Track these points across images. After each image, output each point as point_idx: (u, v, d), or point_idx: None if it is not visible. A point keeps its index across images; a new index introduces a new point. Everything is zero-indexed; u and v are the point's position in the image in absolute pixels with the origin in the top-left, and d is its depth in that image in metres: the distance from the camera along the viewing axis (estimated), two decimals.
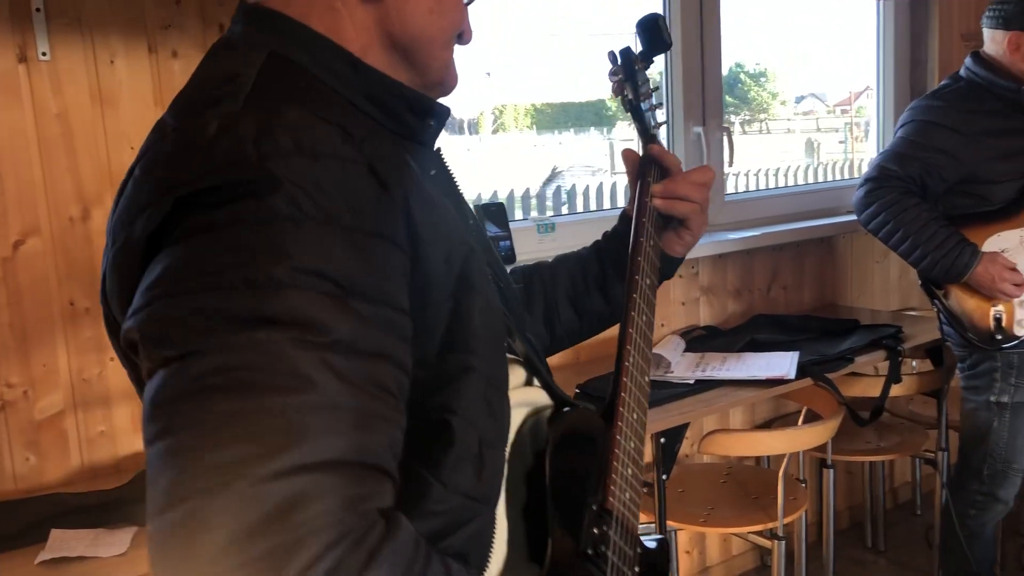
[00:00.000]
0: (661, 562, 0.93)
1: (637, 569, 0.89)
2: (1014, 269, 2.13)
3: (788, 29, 3.51)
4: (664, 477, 2.04)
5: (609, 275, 1.15)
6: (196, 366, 0.58)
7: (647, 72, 1.20)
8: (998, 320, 2.16)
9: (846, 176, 4.31)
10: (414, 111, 0.80)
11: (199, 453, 0.56)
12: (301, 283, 0.60)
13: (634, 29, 1.16)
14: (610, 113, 4.58)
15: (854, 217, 2.98)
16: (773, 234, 2.77)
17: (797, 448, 2.18)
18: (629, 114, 1.17)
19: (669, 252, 1.13)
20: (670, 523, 2.20)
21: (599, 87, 3.95)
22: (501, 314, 0.81)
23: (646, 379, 0.96)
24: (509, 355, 0.87)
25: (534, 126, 5.58)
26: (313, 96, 0.71)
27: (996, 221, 2.16)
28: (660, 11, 2.70)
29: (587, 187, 3.71)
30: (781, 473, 2.13)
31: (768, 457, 2.75)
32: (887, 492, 3.21)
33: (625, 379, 0.92)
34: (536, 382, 0.92)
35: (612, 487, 0.86)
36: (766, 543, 2.19)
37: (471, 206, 0.96)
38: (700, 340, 2.53)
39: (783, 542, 2.16)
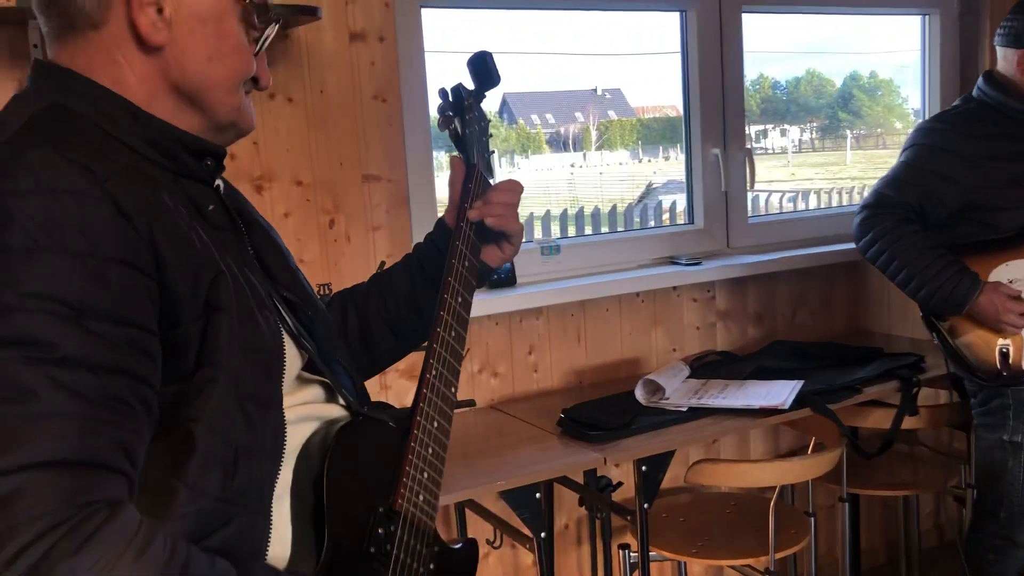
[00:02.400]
0: (466, 562, 0.98)
1: (432, 566, 0.97)
2: (1019, 298, 2.01)
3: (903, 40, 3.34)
4: (646, 506, 2.01)
5: (419, 290, 1.21)
6: None
7: (482, 107, 1.25)
8: (1004, 355, 2.03)
9: None
10: (191, 152, 0.88)
11: None
12: (30, 306, 0.68)
13: (465, 67, 1.20)
14: None
15: None
16: (797, 257, 2.70)
17: (787, 480, 2.11)
18: (455, 145, 1.22)
19: (491, 264, 1.21)
20: (662, 552, 2.16)
21: None
22: (266, 335, 0.87)
23: (452, 390, 1.05)
24: (306, 373, 0.95)
25: (639, 141, 5.57)
26: (72, 140, 0.78)
27: (1004, 250, 2.04)
28: (679, 31, 2.68)
29: (673, 203, 3.67)
30: (772, 505, 2.07)
31: (791, 489, 2.67)
32: (928, 528, 3.06)
33: (425, 390, 1.00)
34: (340, 400, 0.99)
35: (403, 490, 0.94)
36: None
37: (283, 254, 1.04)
38: (712, 366, 2.48)
39: None
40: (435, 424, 1.00)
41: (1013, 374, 2.04)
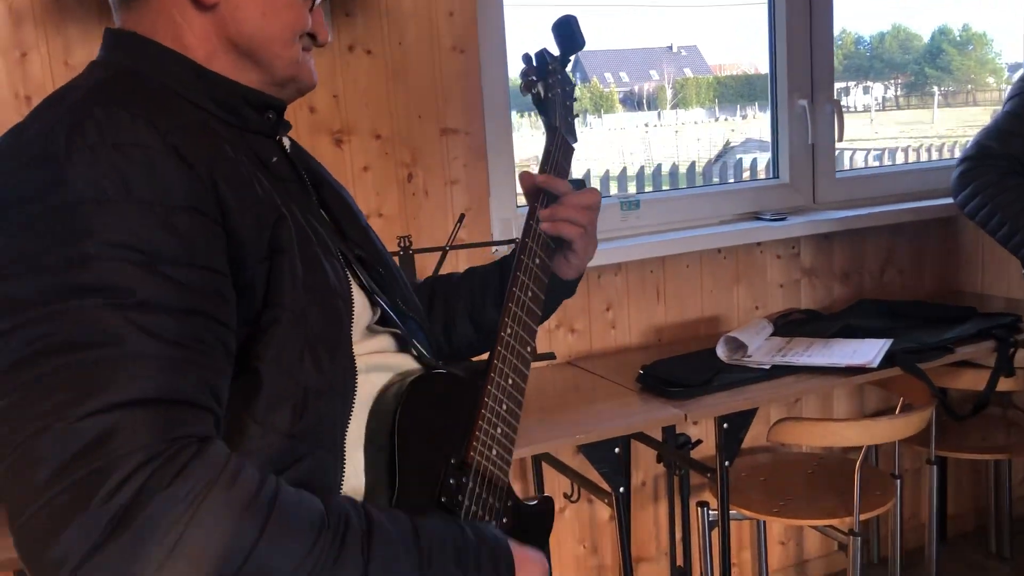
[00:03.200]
0: (541, 520, 0.98)
1: (505, 520, 0.98)
2: None
3: None
4: (727, 463, 1.98)
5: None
6: (21, 336, 0.69)
7: (567, 71, 1.23)
8: None
9: None
10: (252, 106, 0.91)
11: (25, 408, 0.68)
12: (106, 254, 0.71)
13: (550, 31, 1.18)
14: None
15: None
16: (885, 213, 2.60)
17: (874, 440, 2.05)
18: (537, 109, 1.20)
19: (560, 275, 1.18)
20: (742, 511, 2.13)
21: None
22: (331, 279, 0.88)
23: (528, 349, 1.04)
24: (378, 326, 0.96)
25: (716, 100, 5.44)
26: (137, 98, 0.81)
27: None
28: None
29: (754, 160, 3.59)
30: (857, 466, 2.01)
31: (876, 451, 2.60)
32: (1020, 496, 2.96)
33: (500, 347, 1.00)
34: (413, 352, 1.00)
35: (475, 443, 0.95)
36: (843, 538, 2.08)
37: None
38: (795, 324, 2.41)
39: (859, 538, 2.05)
40: (510, 381, 1.00)
41: None
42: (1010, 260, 2.89)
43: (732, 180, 3.16)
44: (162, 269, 0.72)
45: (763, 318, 2.41)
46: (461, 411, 0.96)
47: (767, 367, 2.07)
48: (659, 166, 3.34)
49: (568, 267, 1.18)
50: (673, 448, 2.26)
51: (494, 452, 0.97)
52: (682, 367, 2.07)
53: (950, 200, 2.67)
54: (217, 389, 0.74)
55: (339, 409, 0.87)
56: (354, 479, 0.90)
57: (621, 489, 1.90)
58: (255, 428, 0.80)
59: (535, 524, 1.04)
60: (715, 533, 2.25)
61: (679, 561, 2.45)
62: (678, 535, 2.45)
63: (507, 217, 2.21)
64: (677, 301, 2.44)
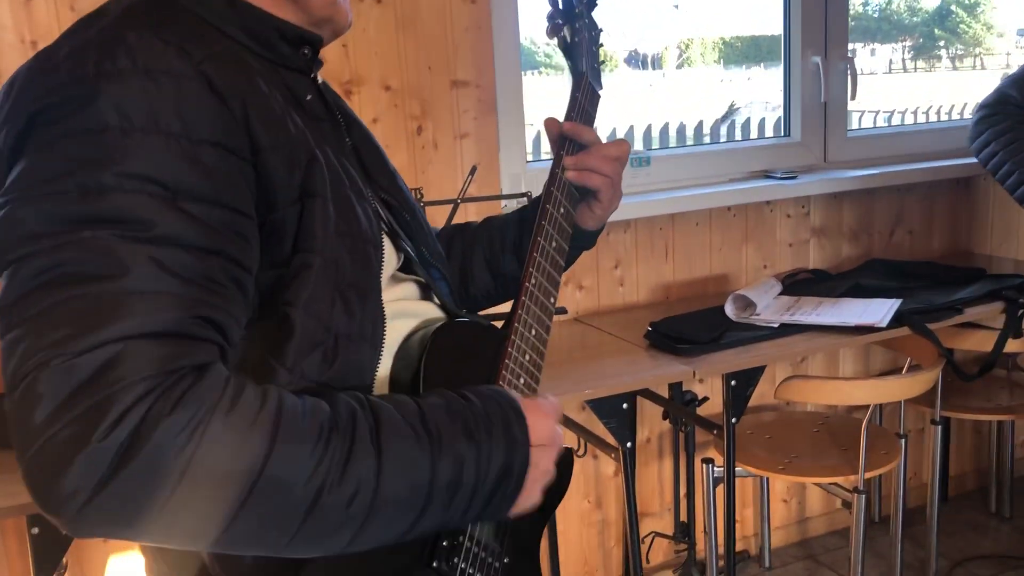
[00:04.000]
0: (561, 471, 0.97)
1: None
2: None
3: None
4: (734, 421, 1.98)
5: (527, 240, 1.16)
6: (31, 266, 0.67)
7: (594, 16, 1.20)
8: None
9: None
10: (287, 40, 0.88)
11: (31, 341, 0.66)
12: (127, 186, 0.69)
13: None
14: None
15: None
16: (897, 173, 2.58)
17: (883, 399, 2.06)
18: (563, 54, 1.17)
19: (582, 225, 1.16)
20: (748, 468, 2.14)
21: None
22: (363, 223, 0.87)
23: (551, 300, 1.02)
24: (401, 273, 0.95)
25: (721, 60, 5.35)
26: (169, 24, 0.78)
27: None
28: None
29: (762, 120, 3.54)
30: (864, 424, 2.02)
31: (880, 410, 2.61)
32: (1021, 456, 2.97)
33: (524, 297, 0.98)
34: (435, 300, 0.99)
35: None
36: (847, 496, 2.09)
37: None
38: (804, 283, 2.41)
39: (863, 496, 2.06)
40: (533, 332, 0.99)
41: None
42: (1020, 222, 2.88)
43: (739, 139, 3.12)
44: (183, 205, 0.71)
45: (772, 277, 2.40)
46: (484, 360, 0.95)
47: (775, 325, 2.06)
48: (667, 125, 3.29)
49: (591, 217, 1.15)
50: (680, 405, 2.26)
51: None
52: (690, 324, 2.07)
53: (961, 161, 2.66)
54: (224, 327, 0.73)
55: (368, 356, 0.86)
56: None
57: (628, 444, 1.91)
58: (284, 375, 0.78)
59: (556, 476, 1.03)
60: (719, 490, 2.27)
61: (683, 517, 2.47)
62: (682, 491, 2.47)
63: (517, 172, 2.19)
64: (685, 259, 2.43)
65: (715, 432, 2.05)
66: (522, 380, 0.97)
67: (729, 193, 2.39)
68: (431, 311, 0.98)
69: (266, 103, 0.79)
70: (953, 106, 5.08)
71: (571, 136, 1.10)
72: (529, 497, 0.82)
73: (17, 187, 0.70)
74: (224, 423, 0.66)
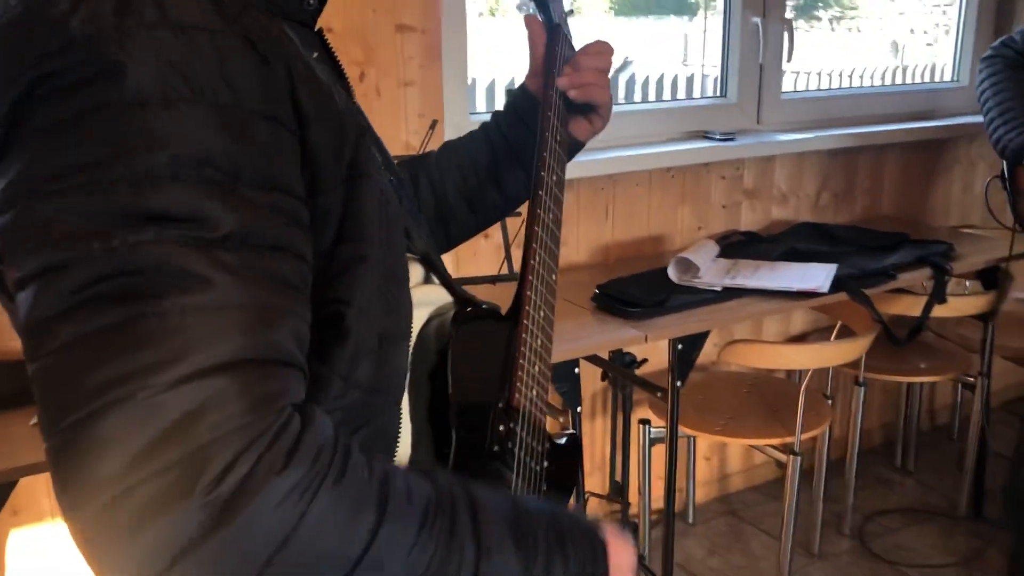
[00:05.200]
0: (571, 458, 0.93)
1: (546, 464, 0.91)
2: None
3: None
4: (679, 384, 1.98)
5: (502, 161, 1.11)
6: (75, 276, 0.53)
7: None
8: None
9: (927, 80, 4.03)
10: None
11: (87, 371, 0.52)
12: (182, 174, 0.55)
13: None
14: (692, 0, 4.28)
15: (916, 124, 2.81)
16: (828, 137, 2.61)
17: (822, 364, 2.09)
18: (534, 2, 1.10)
19: (579, 138, 1.10)
20: (684, 429, 2.15)
21: None
22: (397, 204, 0.77)
23: (553, 277, 0.95)
24: (409, 253, 0.85)
25: (612, 10, 5.29)
26: None
27: None
28: None
29: (661, 76, 3.49)
30: (803, 388, 2.06)
31: (799, 373, 2.67)
32: (923, 414, 3.12)
33: (531, 277, 0.91)
34: (435, 280, 0.90)
35: (519, 384, 0.86)
36: (782, 457, 2.13)
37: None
38: (737, 246, 2.42)
39: (799, 457, 2.11)
40: (542, 313, 0.92)
41: None
42: (932, 189, 2.98)
43: (637, 98, 3.07)
44: (245, 193, 0.57)
45: (708, 239, 2.40)
46: (498, 349, 0.87)
47: (718, 289, 2.06)
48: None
49: (590, 130, 1.10)
50: (622, 367, 2.25)
51: (534, 392, 0.88)
52: (635, 287, 2.04)
53: (883, 127, 2.73)
54: (304, 340, 0.61)
55: (406, 355, 0.77)
56: (404, 430, 0.80)
57: (578, 408, 1.88)
58: (338, 384, 0.68)
59: (567, 462, 0.97)
60: (655, 450, 2.28)
61: (618, 476, 2.48)
62: (619, 451, 2.47)
63: (460, 123, 2.10)
64: (624, 220, 2.40)
65: (659, 395, 2.05)
66: (537, 367, 0.89)
67: (671, 154, 2.36)
68: (439, 295, 0.89)
69: (309, 67, 0.67)
70: (865, 69, 5.19)
71: (568, 88, 1.04)
72: None
73: (31, 176, 0.55)
74: (333, 494, 0.55)
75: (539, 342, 0.90)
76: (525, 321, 0.89)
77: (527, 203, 0.99)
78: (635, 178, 2.38)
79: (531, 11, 1.11)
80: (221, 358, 0.53)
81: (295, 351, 0.58)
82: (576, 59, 1.05)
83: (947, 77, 3.17)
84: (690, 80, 3.30)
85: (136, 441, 0.51)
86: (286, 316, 0.58)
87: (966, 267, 2.32)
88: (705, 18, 4.02)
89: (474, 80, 2.46)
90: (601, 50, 1.06)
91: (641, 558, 2.29)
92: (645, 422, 2.24)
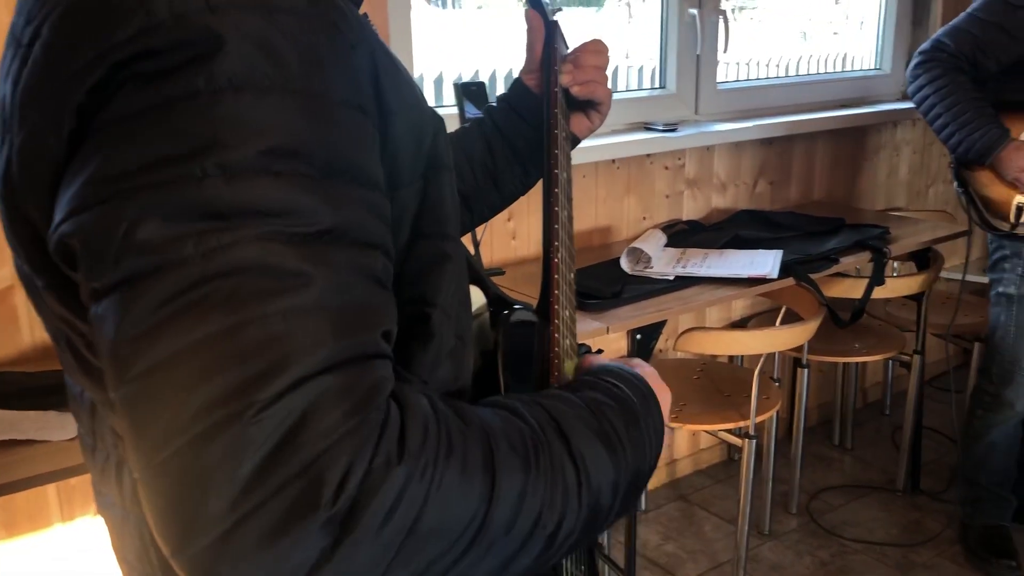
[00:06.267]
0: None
1: None
2: None
3: None
4: None
5: (498, 157, 1.11)
6: (165, 283, 0.49)
7: None
8: (1020, 209, 2.14)
9: (838, 68, 4.16)
10: None
11: (187, 392, 0.48)
12: (276, 167, 0.51)
13: None
14: None
15: (845, 112, 2.89)
16: (765, 126, 2.66)
17: (775, 348, 2.14)
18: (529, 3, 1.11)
19: (577, 133, 1.11)
20: None
21: None
22: (455, 194, 0.75)
23: (572, 275, 0.94)
24: None
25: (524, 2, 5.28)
26: None
27: None
28: None
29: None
30: (756, 373, 2.10)
31: (741, 358, 2.73)
32: (857, 392, 3.23)
33: (556, 276, 0.89)
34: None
35: (554, 384, 0.84)
36: (737, 441, 2.18)
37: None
38: (682, 235, 2.45)
39: (754, 441, 2.15)
40: (567, 313, 0.90)
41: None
42: (860, 174, 3.08)
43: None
44: (337, 187, 0.54)
45: (655, 228, 2.43)
46: (536, 350, 0.86)
47: (671, 278, 2.09)
48: (494, 72, 3.14)
49: (588, 126, 1.10)
50: None
51: None
52: (591, 279, 2.05)
53: (816, 115, 2.81)
54: (393, 338, 0.58)
55: (471, 356, 0.75)
56: None
57: None
58: (419, 389, 0.66)
59: None
60: None
61: None
62: None
63: None
64: (573, 211, 2.40)
65: None
66: (565, 366, 0.89)
67: (617, 145, 2.38)
68: (476, 295, 0.86)
69: (388, 53, 0.63)
70: (782, 58, 5.31)
71: (572, 85, 1.04)
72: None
73: (111, 172, 0.50)
74: (447, 467, 0.53)
75: (568, 342, 0.90)
76: (556, 321, 0.88)
77: (540, 203, 0.97)
78: (582, 170, 2.38)
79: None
80: (323, 363, 0.50)
81: (382, 344, 0.56)
82: (577, 56, 1.05)
83: (862, 65, 3.28)
84: (615, 72, 3.34)
85: (248, 464, 0.48)
86: (380, 315, 0.56)
87: (901, 249, 2.40)
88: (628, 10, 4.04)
89: (421, 76, 2.43)
90: (600, 48, 1.07)
91: (601, 547, 2.30)
92: None
